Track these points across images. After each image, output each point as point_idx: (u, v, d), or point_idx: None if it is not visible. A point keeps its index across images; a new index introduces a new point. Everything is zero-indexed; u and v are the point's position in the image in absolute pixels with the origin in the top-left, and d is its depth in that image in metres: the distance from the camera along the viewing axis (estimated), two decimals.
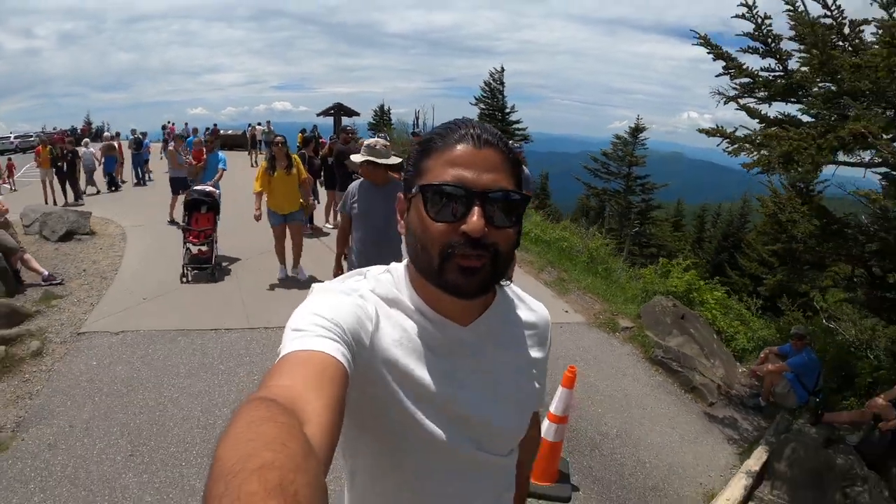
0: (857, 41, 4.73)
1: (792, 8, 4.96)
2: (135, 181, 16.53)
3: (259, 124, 23.12)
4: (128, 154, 17.07)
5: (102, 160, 15.36)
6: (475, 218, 0.81)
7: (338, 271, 4.48)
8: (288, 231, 7.06)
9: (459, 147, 0.86)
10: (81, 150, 14.80)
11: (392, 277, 0.97)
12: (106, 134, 20.26)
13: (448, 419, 0.91)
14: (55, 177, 13.78)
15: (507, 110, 29.66)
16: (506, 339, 1.01)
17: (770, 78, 5.07)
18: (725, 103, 5.23)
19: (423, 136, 0.96)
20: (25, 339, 5.10)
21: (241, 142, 24.47)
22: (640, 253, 21.82)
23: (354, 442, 0.95)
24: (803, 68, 4.76)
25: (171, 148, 10.71)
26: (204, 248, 7.46)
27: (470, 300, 0.90)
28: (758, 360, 6.73)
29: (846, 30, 4.72)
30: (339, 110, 26.71)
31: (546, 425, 3.64)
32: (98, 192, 15.03)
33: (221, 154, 8.93)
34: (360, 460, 0.97)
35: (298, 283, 7.14)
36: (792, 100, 5.06)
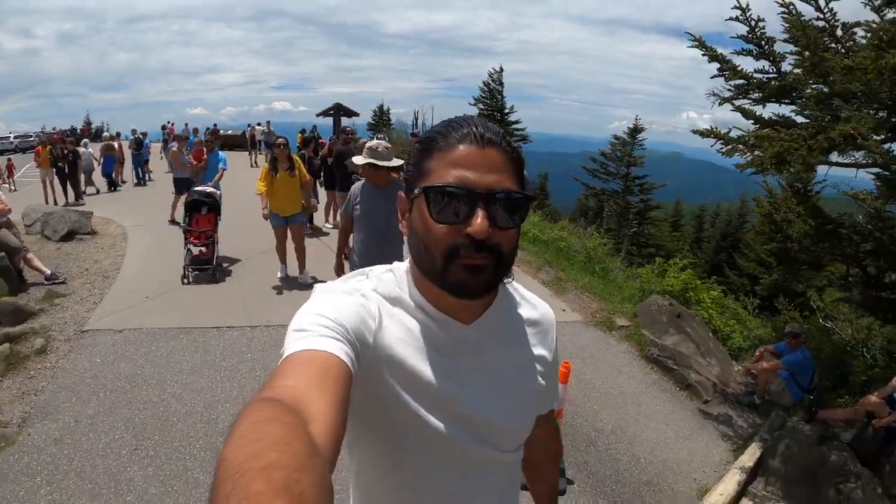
0: (850, 43, 4.81)
1: (787, 10, 5.03)
2: (135, 181, 16.56)
3: (259, 124, 23.07)
4: (128, 154, 17.10)
5: (101, 160, 15.34)
6: (479, 220, 0.81)
7: (339, 270, 4.53)
8: (289, 233, 7.08)
9: (462, 147, 0.85)
10: (81, 150, 14.81)
11: (394, 276, 0.97)
12: (105, 134, 20.27)
13: (451, 417, 0.91)
14: (55, 177, 13.77)
15: (506, 111, 29.76)
16: (508, 336, 1.01)
17: (764, 80, 5.14)
18: (720, 104, 5.31)
19: (423, 134, 0.95)
20: (30, 337, 5.16)
21: (240, 142, 24.44)
22: (638, 253, 21.90)
23: (359, 441, 0.96)
24: (796, 70, 4.83)
25: (174, 149, 10.75)
26: (205, 249, 7.44)
27: (473, 300, 0.90)
28: (753, 358, 6.81)
29: (839, 32, 4.80)
30: (338, 111, 26.76)
31: None
32: (97, 191, 15.05)
33: (222, 154, 8.94)
34: (365, 458, 0.98)
35: (299, 282, 7.18)
36: (786, 101, 5.13)
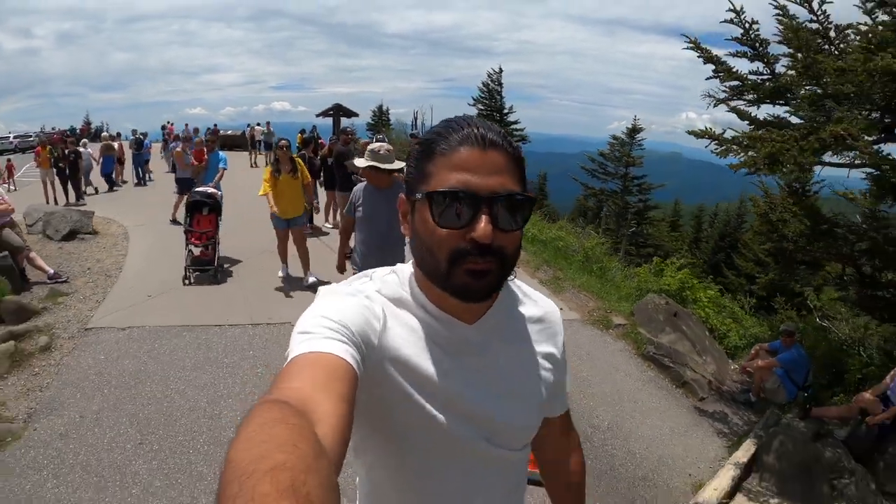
0: (843, 45, 4.88)
1: (782, 13, 5.11)
2: (135, 181, 16.62)
3: (258, 124, 23.09)
4: (129, 154, 17.14)
5: (101, 160, 15.33)
6: (483, 224, 0.81)
7: (342, 269, 4.58)
8: (291, 236, 7.09)
9: (464, 150, 0.84)
10: (81, 150, 14.82)
11: (398, 278, 0.97)
12: (104, 134, 20.28)
13: (456, 416, 0.91)
14: (56, 177, 13.78)
15: (506, 111, 29.81)
16: (512, 335, 1.01)
17: (758, 81, 5.21)
18: (715, 106, 5.38)
19: (423, 135, 0.95)
20: (34, 335, 5.23)
21: (240, 142, 24.45)
22: (636, 253, 21.96)
23: (365, 442, 0.96)
24: (790, 72, 4.90)
25: (178, 149, 10.80)
26: (206, 250, 7.45)
27: (478, 303, 0.90)
28: (748, 356, 6.87)
29: (832, 34, 4.87)
30: (338, 111, 26.80)
31: None
32: (96, 191, 15.05)
33: (222, 154, 8.96)
34: (372, 460, 0.99)
35: (300, 281, 7.20)
36: (780, 102, 5.20)
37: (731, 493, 4.42)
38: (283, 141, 7.13)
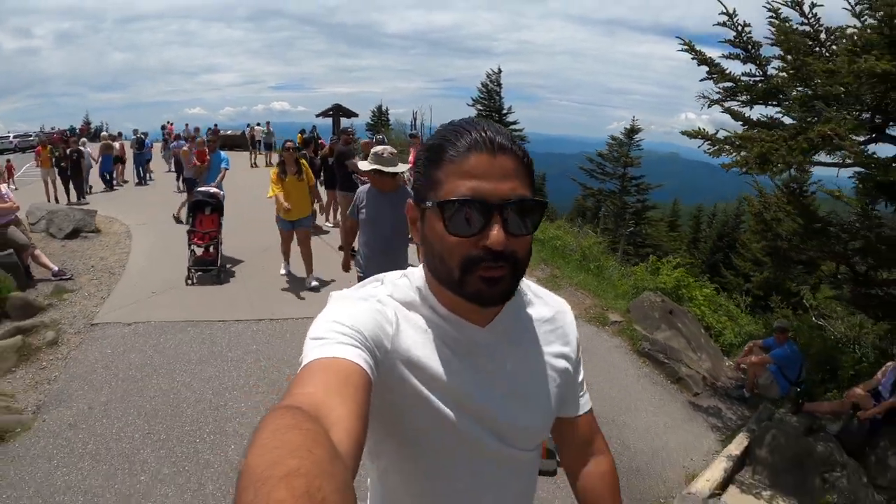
0: (833, 48, 4.99)
1: (775, 15, 5.21)
2: (136, 181, 16.72)
3: (258, 124, 23.17)
4: (130, 153, 17.22)
5: (99, 159, 15.37)
6: (496, 232, 0.81)
7: (346, 266, 4.61)
8: (296, 237, 7.11)
9: (473, 156, 0.83)
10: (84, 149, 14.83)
11: (409, 282, 0.97)
12: (103, 133, 20.31)
13: (468, 416, 0.92)
14: (57, 176, 13.82)
15: (504, 111, 29.81)
16: (522, 336, 1.01)
17: (751, 82, 5.32)
18: (709, 106, 5.48)
19: (430, 140, 0.93)
20: (40, 330, 5.33)
21: (240, 142, 24.45)
22: (635, 253, 22.03)
23: (378, 446, 0.97)
24: (781, 74, 5.01)
25: (185, 148, 10.90)
26: (209, 250, 7.46)
27: (491, 308, 0.91)
28: (742, 352, 6.98)
29: (822, 36, 4.99)
30: (337, 111, 26.88)
31: None
32: (90, 189, 14.94)
33: (224, 154, 8.90)
34: (386, 464, 0.99)
35: (302, 280, 7.25)
36: (773, 103, 5.30)
37: (723, 485, 4.50)
38: (289, 142, 7.17)
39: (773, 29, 5.10)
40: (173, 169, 16.78)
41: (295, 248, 7.24)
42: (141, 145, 16.82)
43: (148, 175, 17.18)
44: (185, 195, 10.66)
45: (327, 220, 10.91)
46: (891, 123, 4.97)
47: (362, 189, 4.28)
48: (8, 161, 19.11)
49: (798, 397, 6.02)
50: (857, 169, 4.90)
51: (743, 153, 4.66)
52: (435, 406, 0.89)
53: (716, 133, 5.02)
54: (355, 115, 28.24)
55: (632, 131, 25.89)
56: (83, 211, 10.04)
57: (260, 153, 21.83)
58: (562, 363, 1.04)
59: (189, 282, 7.08)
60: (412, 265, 3.45)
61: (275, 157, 21.21)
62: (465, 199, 0.82)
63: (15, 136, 34.09)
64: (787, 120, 5.19)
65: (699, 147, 5.10)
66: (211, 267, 7.30)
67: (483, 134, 0.85)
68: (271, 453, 0.49)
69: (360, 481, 1.07)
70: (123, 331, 5.52)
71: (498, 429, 0.95)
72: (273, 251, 7.91)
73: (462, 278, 0.84)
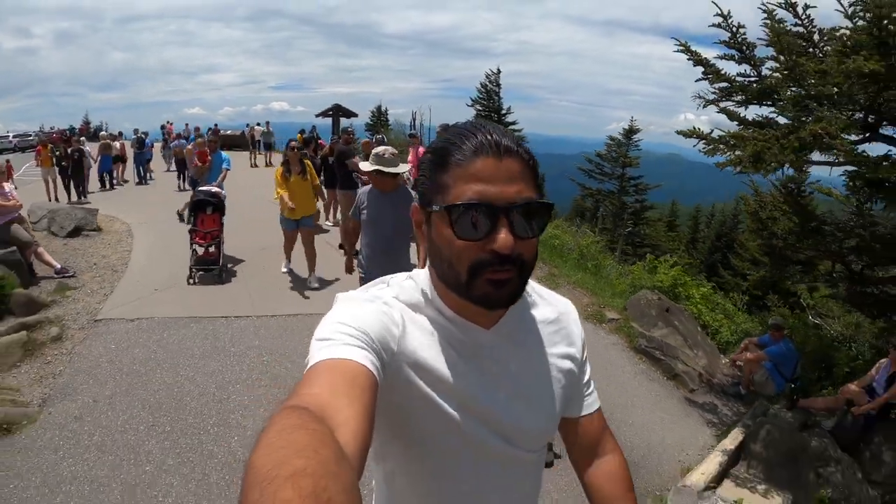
0: (827, 48, 5.06)
1: (770, 16, 5.29)
2: (136, 180, 16.78)
3: (258, 124, 23.24)
4: (130, 153, 17.27)
5: (98, 159, 15.33)
6: (503, 235, 0.81)
7: (350, 268, 4.65)
8: (300, 236, 7.14)
9: (479, 160, 0.83)
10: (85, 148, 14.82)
11: (415, 284, 0.97)
12: (102, 133, 20.32)
13: (473, 417, 0.92)
14: (58, 175, 13.81)
15: (504, 112, 29.87)
16: (526, 338, 1.01)
17: (745, 83, 5.40)
18: (705, 107, 5.56)
19: (435, 143, 0.93)
20: (45, 326, 5.39)
21: (239, 142, 24.47)
22: (633, 253, 22.10)
23: (384, 447, 0.99)
24: (775, 74, 5.09)
25: (189, 147, 10.95)
26: (211, 250, 7.43)
27: (498, 310, 0.92)
28: (738, 350, 7.06)
29: (816, 37, 5.07)
30: (337, 111, 26.96)
31: None
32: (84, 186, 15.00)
33: (225, 154, 8.86)
34: (392, 466, 1.00)
35: (304, 280, 7.27)
36: (767, 103, 5.38)
37: (718, 479, 4.56)
38: (293, 142, 7.19)
39: (767, 30, 5.18)
40: (173, 168, 16.89)
41: (297, 246, 7.28)
42: (141, 145, 16.88)
43: (148, 174, 17.24)
44: (189, 193, 10.69)
45: (327, 218, 10.98)
46: (884, 123, 5.05)
47: (363, 190, 4.32)
48: (7, 161, 19.04)
49: (793, 394, 6.09)
50: (849, 168, 4.97)
51: (737, 152, 4.74)
52: (440, 408, 0.90)
53: (710, 132, 5.10)
54: (355, 115, 28.31)
55: (630, 132, 25.96)
56: (84, 209, 10.09)
57: (260, 153, 21.90)
58: (567, 364, 1.04)
59: (191, 281, 7.07)
60: (413, 264, 3.54)
61: (275, 157, 21.29)
62: (472, 203, 0.82)
63: (14, 136, 33.91)
64: (782, 120, 5.26)
65: (694, 146, 5.19)
66: (213, 266, 7.30)
67: (488, 137, 0.85)
68: (277, 453, 0.50)
69: (364, 484, 1.08)
70: (127, 326, 5.59)
71: (503, 430, 0.95)
72: (273, 250, 7.98)
73: (469, 282, 0.84)
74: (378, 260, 4.13)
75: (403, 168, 4.27)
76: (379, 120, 34.16)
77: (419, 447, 0.93)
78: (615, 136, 26.48)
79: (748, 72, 5.39)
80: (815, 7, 4.99)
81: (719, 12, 5.27)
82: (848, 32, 4.29)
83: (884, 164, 4.34)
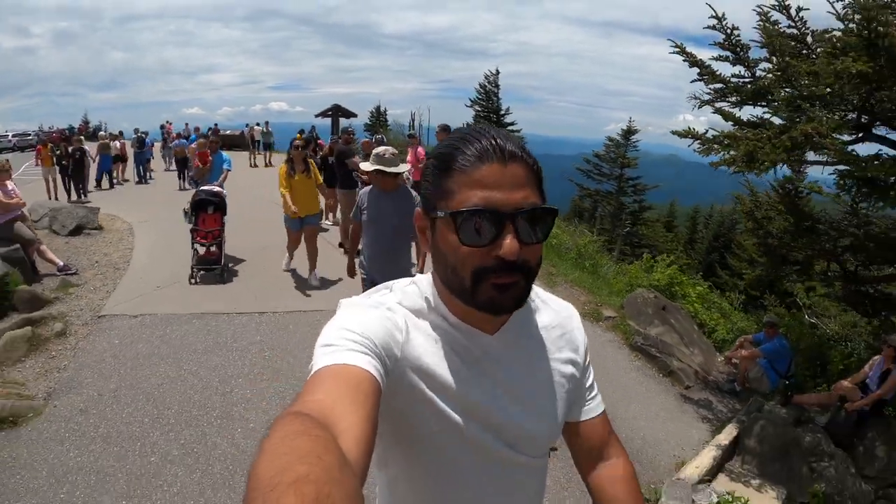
0: (820, 50, 5.15)
1: (764, 18, 5.38)
2: (136, 179, 16.86)
3: (257, 124, 23.33)
4: (131, 152, 17.33)
5: (97, 158, 15.35)
6: (509, 241, 0.81)
7: (352, 271, 4.67)
8: (303, 235, 7.18)
9: (485, 166, 0.83)
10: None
11: (418, 289, 0.97)
12: (101, 133, 20.37)
13: (477, 423, 0.92)
14: (58, 175, 13.84)
15: (502, 112, 29.93)
16: (529, 343, 1.00)
17: (740, 84, 5.48)
18: (700, 107, 5.65)
19: (439, 148, 0.92)
20: (49, 321, 5.45)
21: (238, 142, 24.54)
22: (631, 253, 22.18)
23: (387, 453, 0.98)
24: (769, 75, 5.18)
25: (192, 146, 11.02)
26: (212, 249, 7.42)
27: (504, 315, 0.92)
28: (734, 347, 7.14)
29: (808, 39, 5.16)
30: (336, 112, 27.05)
31: None
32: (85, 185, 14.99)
33: (226, 155, 8.86)
34: (396, 471, 1.00)
35: (308, 283, 7.30)
36: (761, 104, 5.46)
37: (713, 473, 4.63)
38: (297, 141, 7.26)
39: (761, 31, 5.27)
40: (173, 167, 16.98)
41: (301, 246, 7.33)
42: (141, 144, 16.95)
43: (148, 174, 17.32)
44: (191, 192, 10.71)
45: (326, 218, 11.04)
46: (877, 123, 5.14)
47: (364, 191, 4.35)
48: (6, 161, 18.95)
49: (787, 390, 6.16)
50: (841, 167, 5.05)
51: (731, 152, 4.82)
52: (444, 413, 0.90)
53: (705, 133, 5.19)
54: (354, 115, 28.39)
55: (628, 132, 26.04)
56: (86, 208, 10.16)
57: (259, 153, 21.96)
58: (569, 369, 1.04)
59: (192, 281, 7.07)
60: (414, 264, 3.61)
61: (274, 157, 21.37)
62: (478, 210, 0.81)
63: (14, 136, 33.85)
64: (777, 120, 5.34)
65: (689, 146, 5.27)
66: (214, 266, 7.30)
67: (493, 142, 0.84)
68: (280, 459, 0.50)
69: (367, 490, 1.12)
70: (130, 322, 5.67)
71: (506, 435, 0.95)
72: (273, 250, 8.06)
73: (474, 287, 0.84)
74: (379, 259, 4.18)
75: (404, 168, 4.32)
76: (378, 120, 34.25)
77: (422, 452, 0.93)
78: (614, 136, 26.57)
79: (742, 73, 5.48)
80: (807, 9, 5.10)
81: (714, 14, 5.36)
82: (839, 34, 4.38)
83: (874, 163, 4.42)
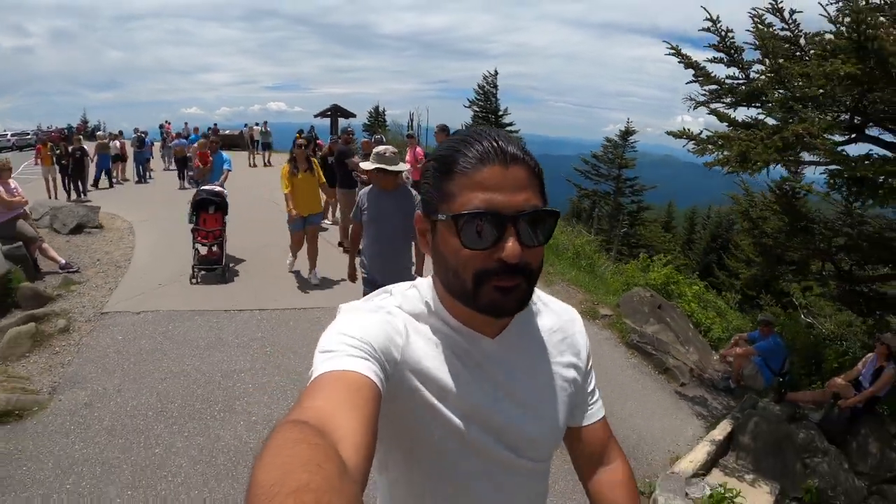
0: (813, 52, 5.23)
1: (759, 20, 5.47)
2: (136, 179, 16.92)
3: (256, 125, 23.40)
4: (130, 152, 17.38)
5: (95, 158, 15.35)
6: (511, 244, 0.80)
7: (352, 275, 4.71)
8: (306, 234, 7.19)
9: (486, 168, 0.82)
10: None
11: (419, 293, 0.96)
12: (99, 133, 20.39)
13: (477, 427, 0.91)
14: (58, 174, 13.86)
15: (501, 113, 29.96)
16: (530, 347, 1.00)
17: (734, 85, 5.56)
18: (695, 108, 5.73)
19: (440, 150, 0.91)
20: (52, 318, 5.52)
21: (237, 142, 24.56)
22: (629, 253, 22.26)
23: (387, 457, 0.98)
24: (762, 77, 5.26)
25: (195, 145, 11.09)
26: (214, 249, 7.40)
27: (505, 318, 0.92)
28: (728, 345, 7.22)
29: (802, 41, 5.25)
30: (335, 112, 27.12)
31: None
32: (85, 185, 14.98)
33: (226, 155, 8.89)
34: (395, 475, 0.99)
35: (308, 281, 7.34)
36: (755, 105, 5.54)
37: (707, 468, 4.70)
38: (301, 140, 7.28)
39: (755, 33, 5.35)
40: (173, 167, 17.06)
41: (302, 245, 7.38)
42: (141, 144, 17.00)
43: (148, 174, 17.39)
44: (191, 191, 10.76)
45: (326, 217, 11.11)
46: (870, 124, 5.23)
47: (364, 191, 4.37)
48: (7, 160, 18.94)
49: (781, 387, 6.23)
50: (832, 167, 5.13)
51: (725, 152, 4.91)
52: (444, 417, 0.89)
53: (699, 133, 5.27)
54: (353, 115, 28.46)
55: (626, 133, 26.13)
56: (86, 207, 10.22)
57: (258, 153, 22.02)
58: (571, 373, 1.03)
59: (194, 280, 7.06)
60: (414, 263, 3.67)
61: (274, 157, 21.44)
62: (479, 212, 0.80)
63: (13, 135, 33.84)
64: (771, 121, 5.42)
65: (683, 146, 5.35)
66: (215, 266, 7.29)
67: (495, 144, 0.83)
68: (280, 468, 0.49)
69: (367, 493, 1.08)
70: (133, 319, 5.73)
71: (508, 439, 0.94)
72: (273, 249, 8.14)
73: (476, 290, 0.83)
74: (380, 259, 4.20)
75: (404, 167, 4.36)
76: (377, 120, 34.33)
77: (423, 456, 0.93)
78: (612, 137, 26.65)
79: (737, 74, 5.56)
80: (801, 12, 5.18)
81: (709, 17, 5.45)
82: (831, 36, 4.47)
83: (864, 162, 4.51)
